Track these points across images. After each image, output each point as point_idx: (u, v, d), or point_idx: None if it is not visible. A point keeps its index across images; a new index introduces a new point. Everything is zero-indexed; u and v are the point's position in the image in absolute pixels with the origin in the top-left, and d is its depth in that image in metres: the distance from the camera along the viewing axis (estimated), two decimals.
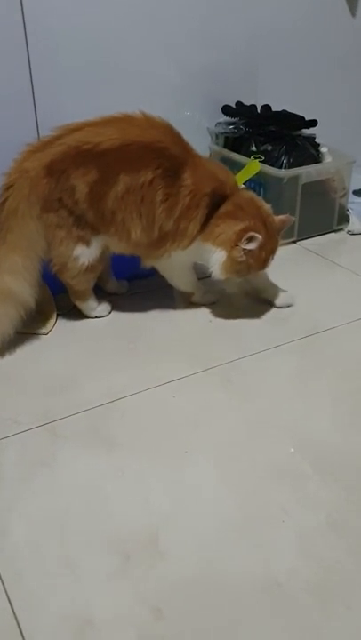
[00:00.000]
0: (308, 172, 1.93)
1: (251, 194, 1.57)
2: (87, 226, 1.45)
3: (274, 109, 2.09)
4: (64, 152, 1.40)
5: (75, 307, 1.59)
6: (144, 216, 1.44)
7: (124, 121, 1.44)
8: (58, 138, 1.43)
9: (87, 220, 1.44)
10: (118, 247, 1.52)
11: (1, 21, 1.69)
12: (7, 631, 0.87)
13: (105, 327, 1.57)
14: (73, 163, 1.40)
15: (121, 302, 1.65)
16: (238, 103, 2.13)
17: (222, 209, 1.48)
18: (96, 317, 1.59)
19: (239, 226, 1.46)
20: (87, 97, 1.86)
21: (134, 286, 1.73)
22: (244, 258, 1.46)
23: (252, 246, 1.44)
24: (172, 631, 0.87)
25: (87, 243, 1.47)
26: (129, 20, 1.87)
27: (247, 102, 2.12)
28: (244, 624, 0.88)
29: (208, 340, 1.53)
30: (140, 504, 1.06)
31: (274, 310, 1.64)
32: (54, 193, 1.41)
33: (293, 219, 1.59)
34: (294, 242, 2.01)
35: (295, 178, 1.91)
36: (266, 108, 2.10)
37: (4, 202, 1.41)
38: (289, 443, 1.19)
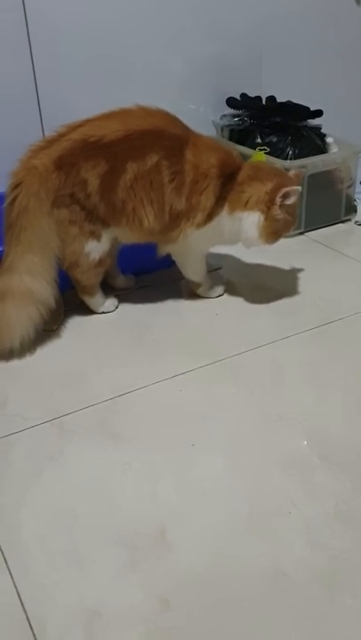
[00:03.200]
0: (314, 163, 1.92)
1: (258, 161, 1.58)
2: (98, 220, 1.45)
3: (279, 100, 2.08)
4: (71, 147, 1.40)
5: (82, 302, 1.60)
6: (154, 201, 1.44)
7: (123, 113, 1.45)
8: (62, 135, 1.43)
9: (98, 213, 1.45)
10: (130, 237, 1.52)
11: (3, 17, 1.69)
12: (17, 624, 0.87)
13: (112, 322, 1.57)
14: (82, 156, 1.40)
15: (127, 297, 1.65)
16: (243, 95, 2.12)
17: (241, 176, 1.48)
18: (103, 313, 1.59)
19: (268, 185, 1.46)
20: (91, 91, 1.86)
21: (140, 280, 1.73)
22: (282, 215, 1.47)
23: (291, 200, 1.46)
24: (180, 623, 0.87)
25: (98, 237, 1.48)
26: (132, 12, 1.86)
27: (252, 94, 2.12)
28: (252, 614, 0.88)
29: (215, 332, 1.53)
30: (148, 497, 1.07)
31: (281, 302, 1.63)
32: (65, 187, 1.41)
33: (304, 171, 1.57)
34: (302, 233, 2.00)
35: (301, 169, 1.90)
36: (271, 99, 2.09)
37: (14, 200, 1.41)
38: (297, 434, 1.19)
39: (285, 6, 2.13)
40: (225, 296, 1.66)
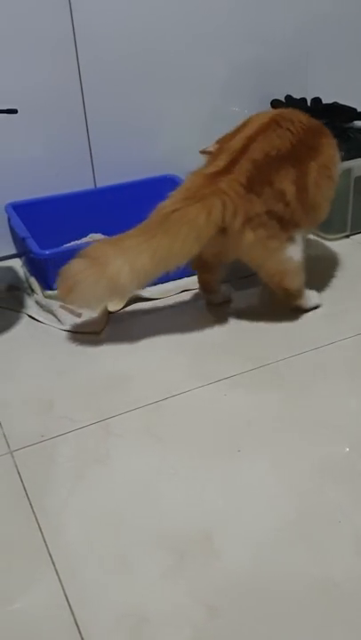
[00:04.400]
0: (360, 166, 1.89)
1: None
2: (291, 225, 1.46)
3: (324, 102, 2.06)
4: (255, 166, 1.40)
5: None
6: (325, 190, 1.53)
7: (273, 122, 1.48)
8: (233, 162, 1.40)
9: (294, 218, 1.45)
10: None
11: (50, 26, 1.70)
12: (65, 627, 0.88)
13: (156, 325, 1.57)
14: (272, 170, 1.41)
15: (171, 300, 1.65)
16: (288, 97, 2.10)
17: None
18: (316, 307, 1.59)
19: None
20: (134, 94, 1.86)
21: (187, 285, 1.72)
22: None
23: None
24: (228, 629, 0.86)
25: (294, 240, 1.48)
26: (175, 14, 1.86)
27: (297, 96, 2.09)
28: (300, 624, 0.87)
29: (260, 337, 1.51)
30: (194, 502, 1.06)
31: (326, 307, 1.61)
32: (261, 207, 1.39)
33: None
34: (347, 236, 1.97)
35: (347, 171, 1.87)
36: (316, 101, 2.07)
37: (178, 210, 1.34)
38: (343, 441, 1.17)
39: (331, 6, 2.10)
40: (271, 301, 1.65)
